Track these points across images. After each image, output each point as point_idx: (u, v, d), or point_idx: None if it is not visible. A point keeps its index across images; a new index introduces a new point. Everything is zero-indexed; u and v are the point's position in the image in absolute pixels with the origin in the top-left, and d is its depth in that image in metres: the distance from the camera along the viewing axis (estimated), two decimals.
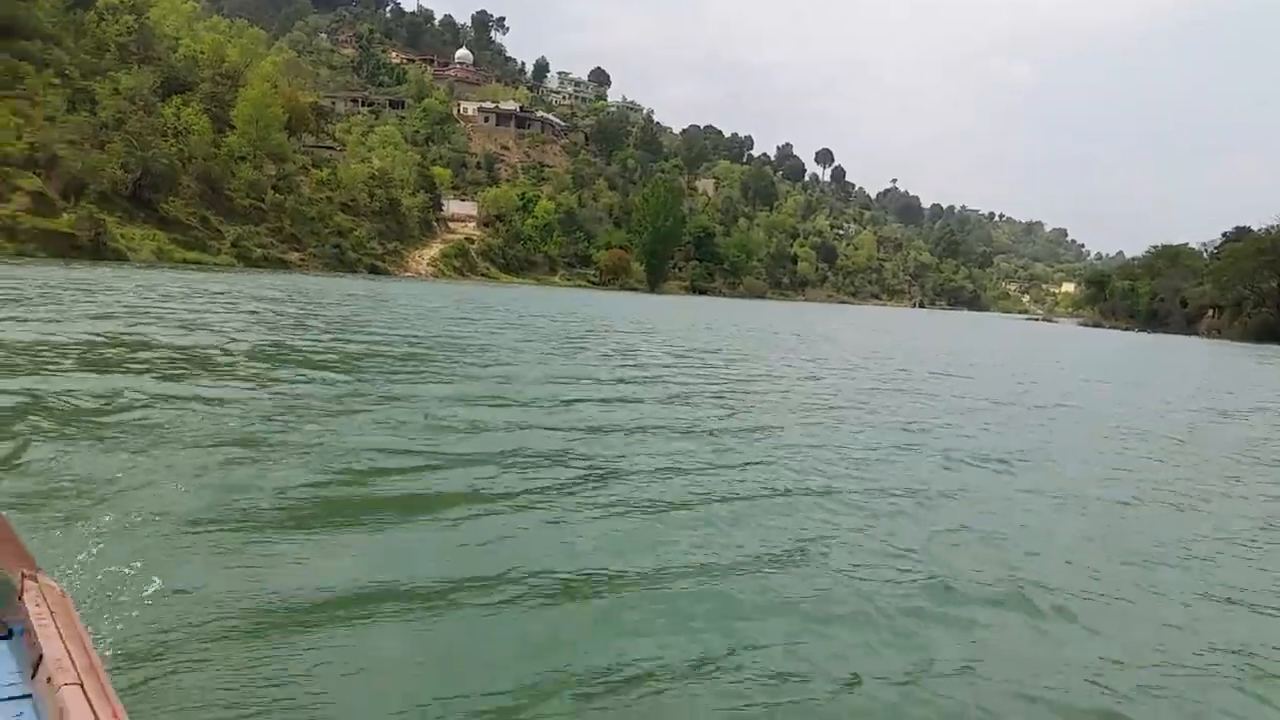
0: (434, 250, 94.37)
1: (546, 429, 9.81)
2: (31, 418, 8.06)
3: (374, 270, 78.12)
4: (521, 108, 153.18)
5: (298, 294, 33.80)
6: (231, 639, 4.09)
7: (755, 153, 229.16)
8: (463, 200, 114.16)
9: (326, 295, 34.88)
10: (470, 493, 6.92)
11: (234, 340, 15.70)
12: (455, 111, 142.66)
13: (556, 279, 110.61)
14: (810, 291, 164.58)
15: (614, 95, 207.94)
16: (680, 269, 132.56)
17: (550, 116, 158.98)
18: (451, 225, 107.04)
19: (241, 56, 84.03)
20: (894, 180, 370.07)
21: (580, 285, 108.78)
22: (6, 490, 5.91)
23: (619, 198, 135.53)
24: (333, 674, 3.91)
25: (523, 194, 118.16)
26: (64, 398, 9.03)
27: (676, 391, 14.20)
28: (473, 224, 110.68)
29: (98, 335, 14.56)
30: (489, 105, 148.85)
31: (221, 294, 29.09)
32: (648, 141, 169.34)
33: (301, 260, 70.25)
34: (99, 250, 50.56)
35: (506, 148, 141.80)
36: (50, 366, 10.88)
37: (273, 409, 9.45)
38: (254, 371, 12.15)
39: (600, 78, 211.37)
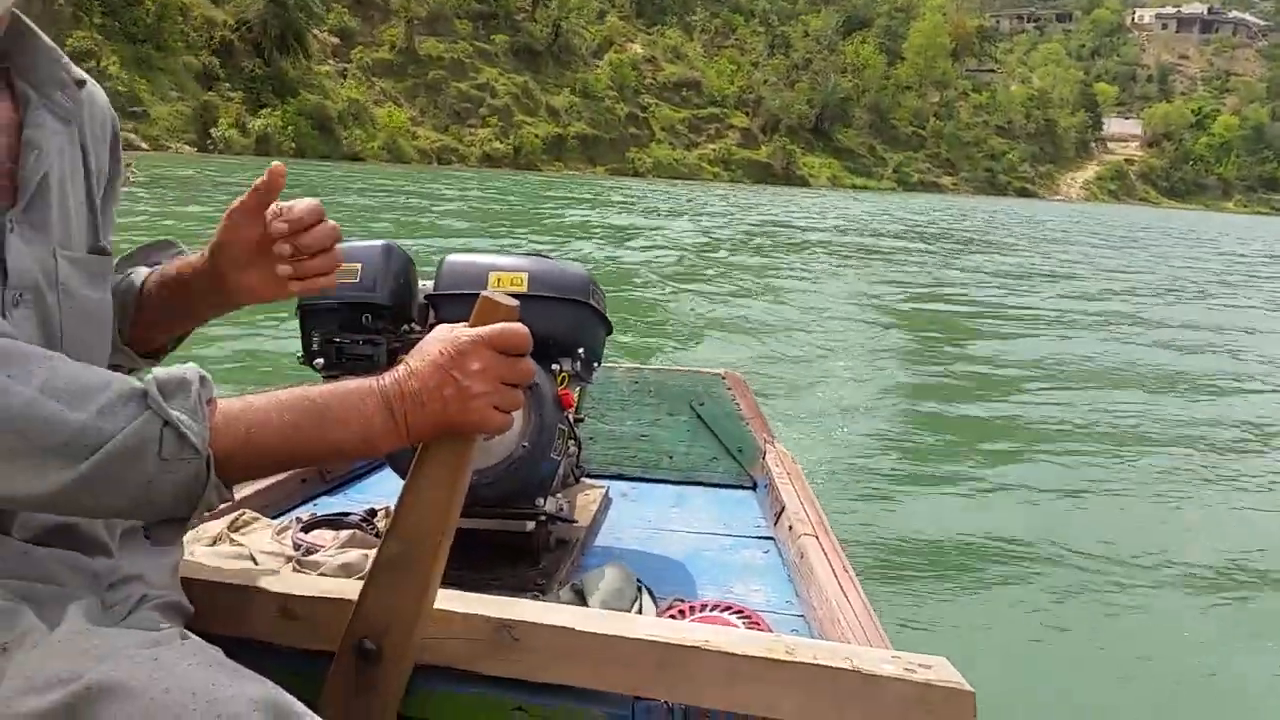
0: (1088, 172, 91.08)
1: None
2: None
3: (1023, 193, 78.74)
4: (1210, 8, 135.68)
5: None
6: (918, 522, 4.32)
7: None
8: (1126, 118, 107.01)
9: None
10: None
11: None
12: (1129, 20, 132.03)
13: (1230, 204, 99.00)
14: None
15: None
16: None
17: (1246, 16, 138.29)
18: (1110, 145, 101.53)
19: None
20: None
21: (1260, 212, 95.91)
22: (750, 367, 6.35)
23: None
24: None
25: (1197, 109, 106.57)
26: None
27: None
28: (1135, 144, 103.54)
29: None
30: (1168, 10, 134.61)
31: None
32: None
33: (954, 184, 74.03)
34: (789, 177, 60.07)
35: (1185, 56, 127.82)
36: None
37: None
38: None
39: None
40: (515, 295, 1.12)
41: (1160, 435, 6.39)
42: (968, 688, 0.80)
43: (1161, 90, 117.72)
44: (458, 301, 1.37)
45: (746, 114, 64.76)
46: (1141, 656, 3.25)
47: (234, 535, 1.41)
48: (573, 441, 1.58)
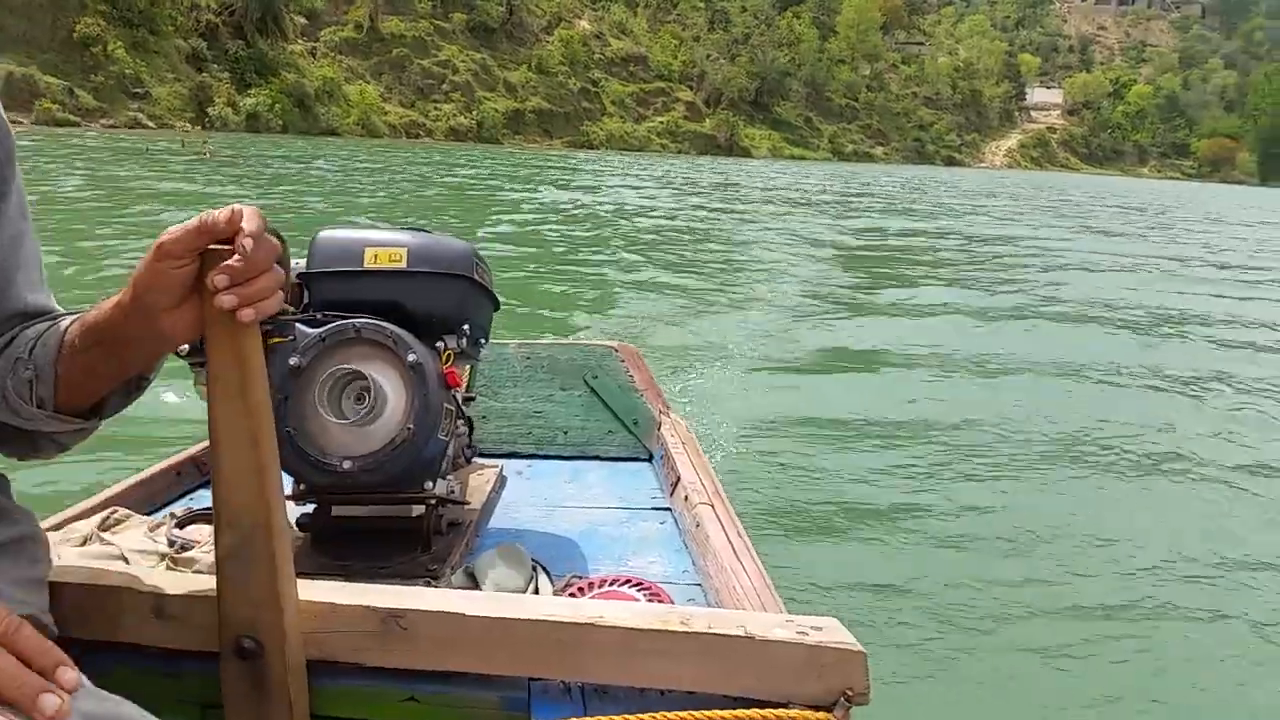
0: (1011, 141, 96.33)
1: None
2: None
3: (950, 161, 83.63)
4: None
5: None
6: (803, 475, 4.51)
7: None
8: (1048, 88, 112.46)
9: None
10: None
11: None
12: None
13: (1145, 170, 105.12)
14: None
15: None
16: None
17: None
18: (1033, 114, 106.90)
19: None
20: None
21: (1171, 177, 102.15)
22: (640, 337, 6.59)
23: (1236, 78, 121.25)
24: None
25: (1115, 78, 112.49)
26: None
27: None
28: (1056, 112, 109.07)
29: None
30: None
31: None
32: None
33: (885, 154, 78.60)
34: (731, 148, 64.09)
35: (1104, 28, 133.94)
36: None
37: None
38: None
39: None
40: (394, 271, 1.28)
41: (1054, 400, 6.45)
42: (858, 647, 0.82)
43: (1082, 60, 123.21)
44: (331, 279, 1.33)
45: (691, 88, 68.39)
46: (1030, 613, 3.33)
47: (104, 535, 1.29)
48: (462, 421, 1.54)
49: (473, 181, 23.83)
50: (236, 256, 0.76)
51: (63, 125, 31.17)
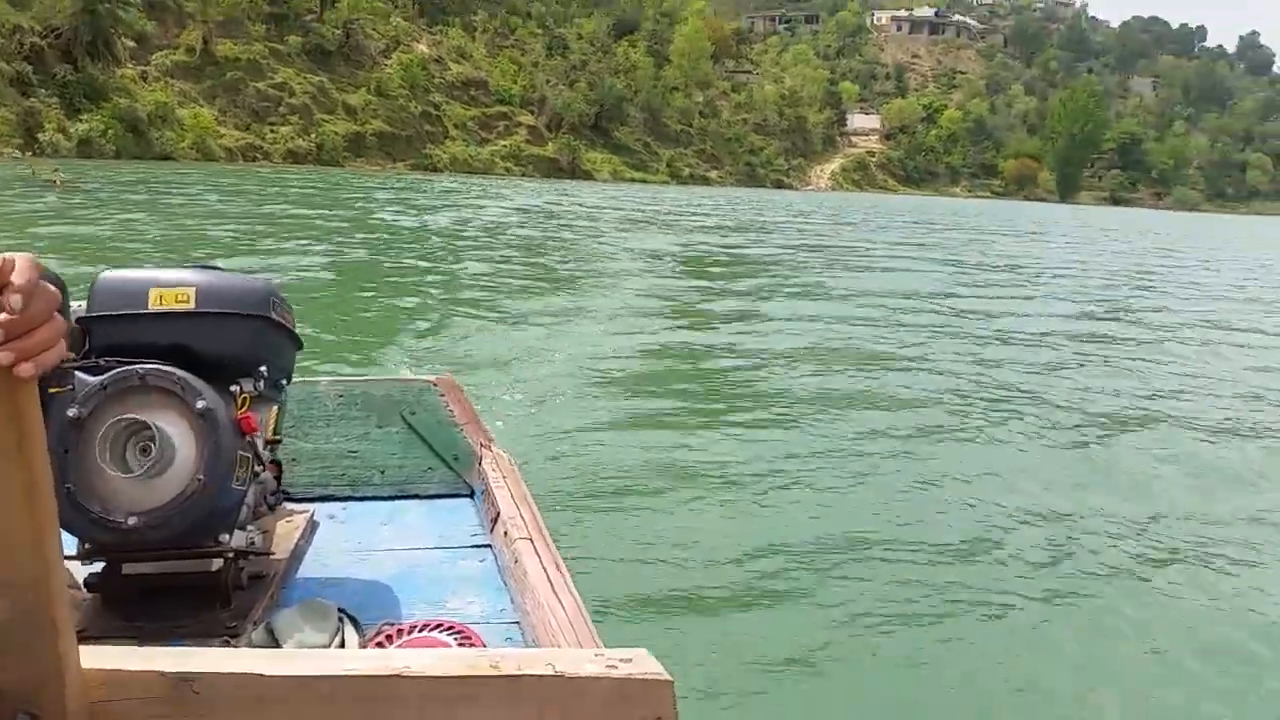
0: (834, 165, 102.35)
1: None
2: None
3: (778, 184, 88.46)
4: (937, 12, 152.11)
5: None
6: (630, 506, 4.53)
7: (1210, 44, 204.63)
8: (867, 114, 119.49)
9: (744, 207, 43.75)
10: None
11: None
12: (868, 21, 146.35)
13: (957, 190, 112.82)
14: (1261, 204, 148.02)
15: None
16: (1100, 179, 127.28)
17: (968, 19, 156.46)
18: (854, 139, 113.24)
19: None
20: None
21: (980, 196, 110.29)
22: (464, 368, 6.63)
23: (1036, 103, 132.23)
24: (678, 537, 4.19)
25: (928, 104, 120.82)
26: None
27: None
28: (875, 137, 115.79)
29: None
30: (902, 13, 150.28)
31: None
32: (1074, 41, 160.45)
33: (719, 177, 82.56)
34: (574, 171, 66.35)
35: (917, 56, 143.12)
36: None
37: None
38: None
39: None
40: (182, 313, 1.17)
41: (870, 404, 6.73)
42: (666, 676, 0.81)
43: (898, 87, 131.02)
44: (113, 323, 1.25)
45: (532, 112, 70.20)
46: (849, 637, 3.37)
47: None
48: (262, 467, 1.45)
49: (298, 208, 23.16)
50: (11, 306, 0.68)
51: None
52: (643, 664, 0.83)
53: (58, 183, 22.79)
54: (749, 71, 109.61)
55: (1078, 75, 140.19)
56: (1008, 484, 5.51)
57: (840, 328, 10.63)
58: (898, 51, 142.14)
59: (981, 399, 7.68)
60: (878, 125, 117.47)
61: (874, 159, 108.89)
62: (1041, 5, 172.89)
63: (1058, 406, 7.56)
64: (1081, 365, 9.64)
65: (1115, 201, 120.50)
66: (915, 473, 5.56)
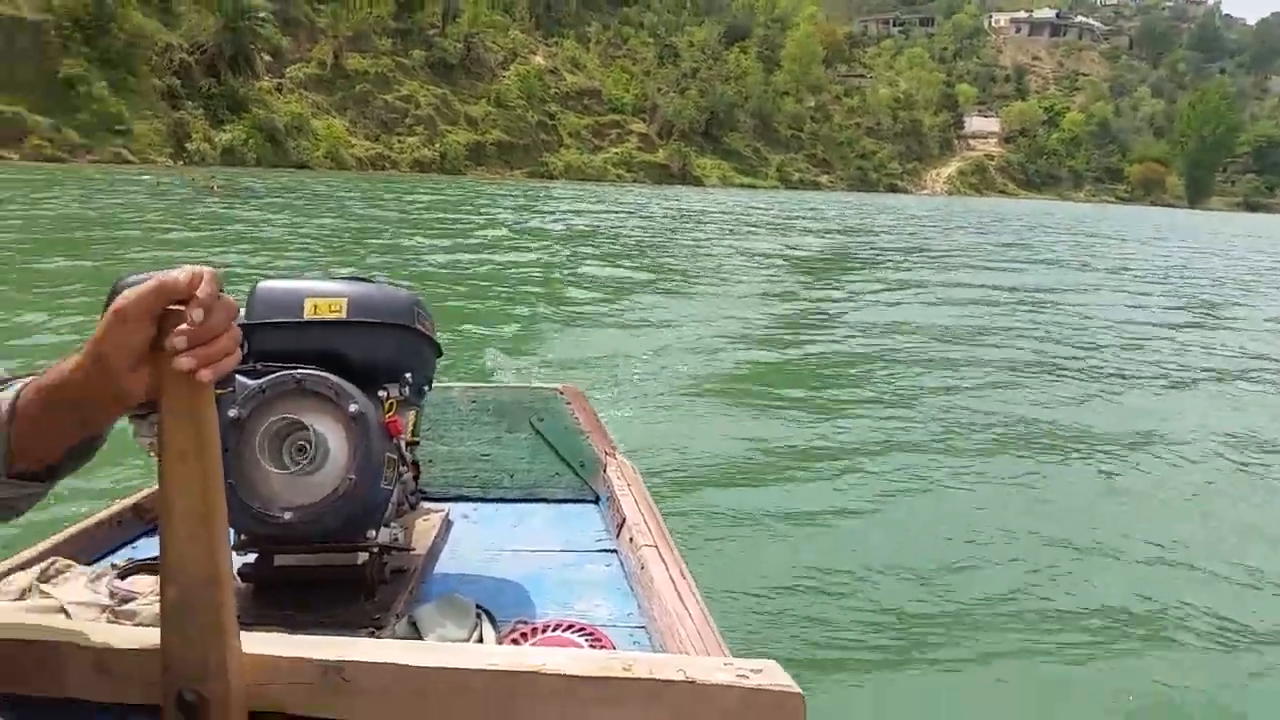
0: (951, 168, 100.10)
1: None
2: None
3: (892, 189, 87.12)
4: (1058, 13, 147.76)
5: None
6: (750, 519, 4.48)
7: None
8: (985, 116, 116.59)
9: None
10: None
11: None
12: (986, 24, 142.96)
13: (1080, 194, 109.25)
14: None
15: None
16: (1233, 183, 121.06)
17: (1090, 20, 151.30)
18: (972, 142, 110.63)
19: (789, 2, 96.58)
20: None
21: (1105, 200, 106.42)
22: (583, 375, 6.77)
23: (1163, 106, 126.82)
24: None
25: (1049, 106, 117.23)
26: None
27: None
28: (994, 140, 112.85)
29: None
30: (1021, 15, 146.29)
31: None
32: (1206, 40, 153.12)
33: (830, 182, 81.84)
34: (684, 177, 66.91)
35: (1038, 58, 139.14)
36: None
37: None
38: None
39: None
40: (334, 322, 1.23)
41: (1015, 437, 6.33)
42: (796, 689, 0.82)
43: (1017, 90, 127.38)
44: (271, 331, 1.31)
45: (644, 120, 71.07)
46: (971, 659, 3.29)
47: (44, 586, 1.28)
48: (405, 467, 1.54)
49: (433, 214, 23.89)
50: (194, 318, 0.76)
51: (51, 160, 32.40)
52: (773, 675, 0.84)
53: (214, 188, 24.36)
54: (862, 75, 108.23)
55: (1208, 76, 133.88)
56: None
57: (964, 328, 10.59)
58: (1017, 53, 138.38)
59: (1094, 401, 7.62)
60: (997, 128, 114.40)
61: (993, 162, 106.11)
62: (1170, 4, 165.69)
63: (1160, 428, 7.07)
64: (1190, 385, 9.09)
65: (1250, 207, 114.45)
66: (1067, 490, 5.36)
